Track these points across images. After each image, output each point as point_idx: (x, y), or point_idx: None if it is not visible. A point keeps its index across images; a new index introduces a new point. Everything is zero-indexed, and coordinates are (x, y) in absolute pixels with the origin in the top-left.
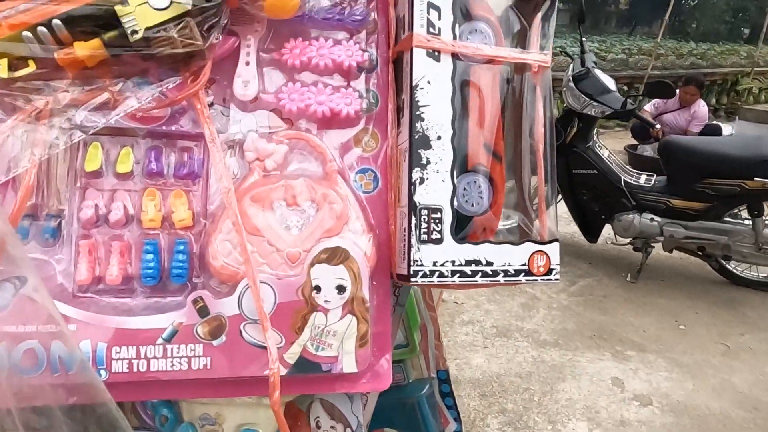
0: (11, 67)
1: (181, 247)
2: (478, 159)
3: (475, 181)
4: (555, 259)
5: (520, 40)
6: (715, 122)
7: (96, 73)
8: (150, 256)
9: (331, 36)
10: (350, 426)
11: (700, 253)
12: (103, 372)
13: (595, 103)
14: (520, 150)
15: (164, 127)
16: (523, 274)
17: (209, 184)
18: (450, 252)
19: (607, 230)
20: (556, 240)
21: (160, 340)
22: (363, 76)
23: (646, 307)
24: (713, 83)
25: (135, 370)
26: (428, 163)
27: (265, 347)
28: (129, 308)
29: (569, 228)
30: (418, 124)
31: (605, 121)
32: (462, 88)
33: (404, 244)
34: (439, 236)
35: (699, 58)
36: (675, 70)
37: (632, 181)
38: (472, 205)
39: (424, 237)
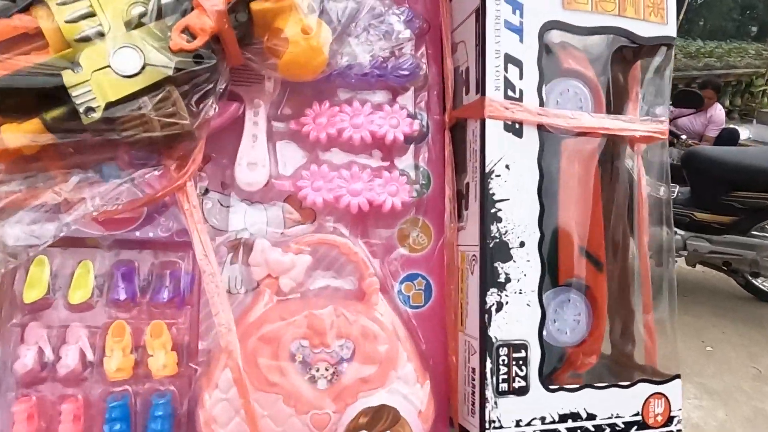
0: None
1: (160, 410)
2: (573, 269)
3: (569, 300)
4: (676, 404)
5: (617, 103)
6: (732, 126)
7: (38, 165)
8: (117, 426)
9: (369, 98)
10: None
11: (726, 269)
12: None
13: None
14: (625, 250)
15: (138, 233)
16: (635, 427)
17: (200, 311)
18: (539, 405)
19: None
20: (678, 376)
21: None
22: (411, 148)
23: None
24: (727, 84)
25: None
26: (508, 281)
27: None
28: None
29: None
30: (493, 227)
31: None
32: (550, 171)
33: (474, 393)
34: (524, 384)
35: (711, 58)
36: (688, 72)
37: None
38: (566, 333)
39: (504, 386)
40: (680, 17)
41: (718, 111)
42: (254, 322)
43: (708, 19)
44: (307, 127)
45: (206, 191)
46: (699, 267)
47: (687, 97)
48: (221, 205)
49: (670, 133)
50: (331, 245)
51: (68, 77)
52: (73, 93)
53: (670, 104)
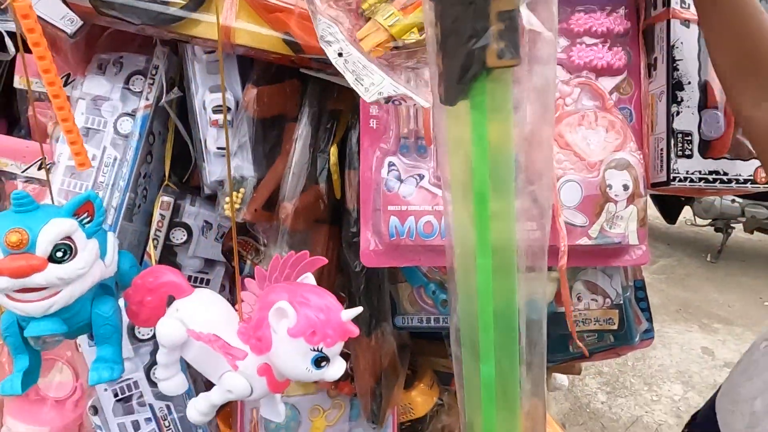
0: None
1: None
2: (717, 99)
3: (714, 114)
4: None
5: None
6: None
7: None
8: None
9: (600, 9)
10: (609, 296)
11: None
12: None
13: None
14: None
15: None
16: (750, 182)
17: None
18: (697, 164)
19: (684, 212)
20: None
21: None
22: (624, 39)
23: (729, 285)
24: None
25: None
26: (682, 101)
27: (577, 225)
28: None
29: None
30: (675, 73)
31: None
32: (703, 46)
33: (662, 160)
34: (690, 153)
35: None
36: None
37: None
38: (712, 132)
39: (680, 153)
40: None
41: None
42: (558, 116)
43: None
44: (572, 25)
45: None
46: (756, 234)
47: None
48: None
49: None
50: (588, 84)
51: None
52: None
53: None
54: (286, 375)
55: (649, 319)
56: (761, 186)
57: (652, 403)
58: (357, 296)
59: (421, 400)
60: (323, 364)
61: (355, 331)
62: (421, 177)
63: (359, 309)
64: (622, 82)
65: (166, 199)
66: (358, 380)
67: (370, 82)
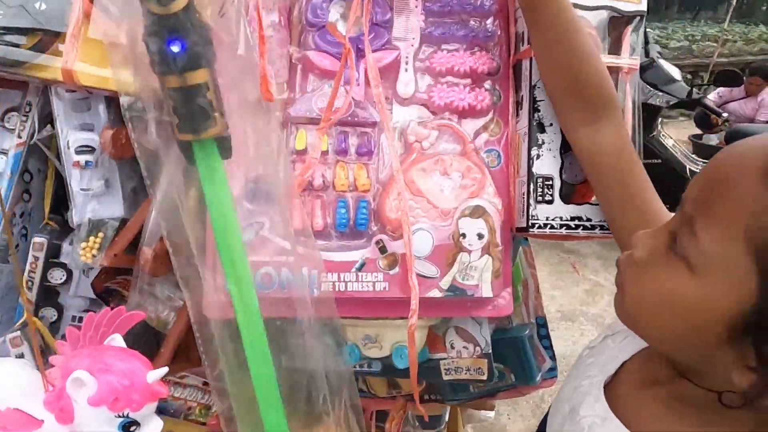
0: None
1: (364, 205)
2: None
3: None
4: None
5: (613, 49)
6: None
7: None
8: (342, 210)
9: (468, 48)
10: (479, 345)
11: None
12: (315, 290)
13: (660, 93)
14: None
15: (349, 118)
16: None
17: (380, 160)
18: (558, 210)
19: None
20: None
21: (353, 269)
22: (491, 78)
23: None
24: None
25: (337, 289)
26: (543, 143)
27: (427, 276)
28: (327, 246)
29: None
30: (535, 114)
31: (668, 110)
32: None
33: (523, 204)
34: (550, 198)
35: None
36: (743, 57)
37: (698, 171)
38: (575, 176)
39: (540, 198)
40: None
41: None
42: (411, 161)
43: None
44: (434, 64)
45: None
46: None
47: (726, 76)
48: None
49: (714, 113)
50: (448, 126)
51: None
52: None
53: (709, 84)
54: None
55: (553, 357)
56: None
57: None
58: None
59: None
60: (133, 428)
61: (164, 391)
62: (261, 225)
63: (165, 369)
64: (490, 123)
65: (38, 240)
66: None
67: None
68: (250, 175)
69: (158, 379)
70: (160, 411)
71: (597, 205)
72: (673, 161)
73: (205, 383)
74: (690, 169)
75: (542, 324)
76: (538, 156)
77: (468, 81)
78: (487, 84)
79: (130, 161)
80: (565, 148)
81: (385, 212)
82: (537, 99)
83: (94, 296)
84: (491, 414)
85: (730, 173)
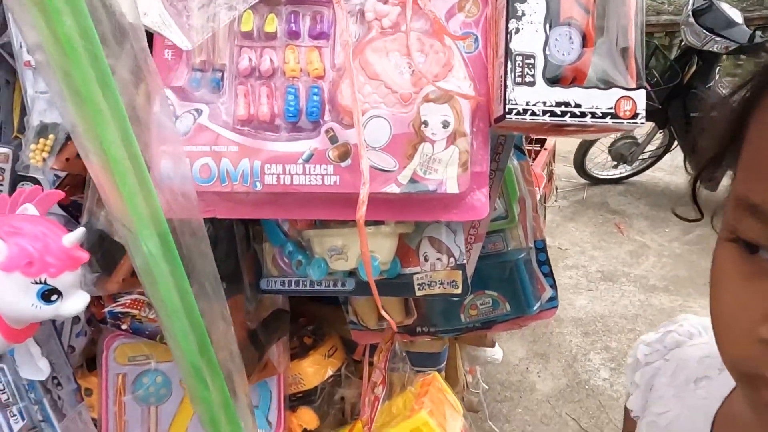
0: None
1: (315, 91)
2: (571, 13)
3: (566, 31)
4: (641, 105)
5: None
6: None
7: None
8: (291, 98)
9: None
10: (453, 255)
11: None
12: (258, 184)
13: (717, 38)
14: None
15: None
16: (609, 116)
17: (336, 42)
18: (542, 94)
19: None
20: (643, 87)
21: (300, 161)
22: None
23: None
24: None
25: (281, 183)
26: (523, 15)
27: (382, 170)
28: (276, 137)
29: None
30: None
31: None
32: None
33: (501, 88)
34: (532, 80)
35: None
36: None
37: None
38: (563, 54)
39: (519, 80)
40: None
41: None
42: (368, 40)
43: None
44: None
45: None
46: None
47: None
48: None
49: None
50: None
51: None
52: None
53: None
54: (14, 317)
55: (553, 286)
56: (624, 121)
57: None
58: None
59: (312, 370)
60: (54, 298)
61: (84, 256)
62: (200, 113)
63: (82, 230)
64: (465, 2)
65: (3, 150)
66: None
67: None
68: (195, 61)
69: (76, 243)
70: (136, 332)
71: (589, 88)
72: None
73: None
74: None
75: (541, 248)
76: (517, 30)
77: None
78: None
79: None
80: (553, 21)
81: (339, 100)
82: None
83: (62, 212)
84: (498, 356)
85: None
